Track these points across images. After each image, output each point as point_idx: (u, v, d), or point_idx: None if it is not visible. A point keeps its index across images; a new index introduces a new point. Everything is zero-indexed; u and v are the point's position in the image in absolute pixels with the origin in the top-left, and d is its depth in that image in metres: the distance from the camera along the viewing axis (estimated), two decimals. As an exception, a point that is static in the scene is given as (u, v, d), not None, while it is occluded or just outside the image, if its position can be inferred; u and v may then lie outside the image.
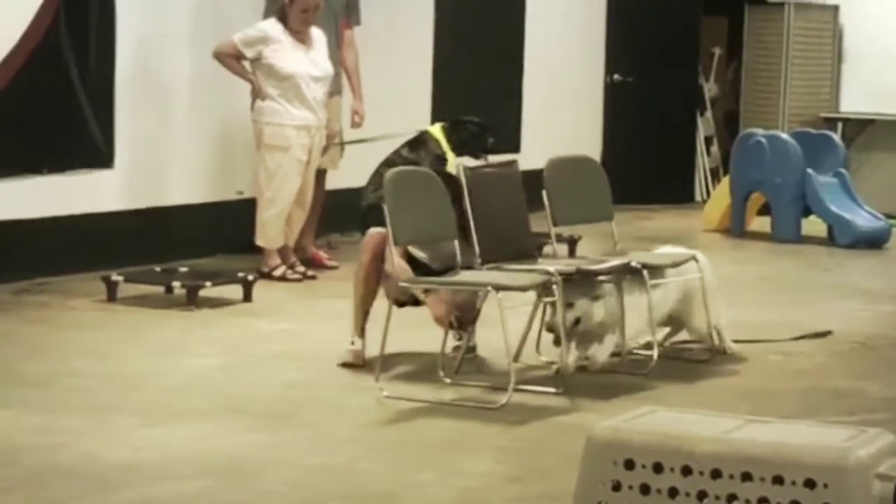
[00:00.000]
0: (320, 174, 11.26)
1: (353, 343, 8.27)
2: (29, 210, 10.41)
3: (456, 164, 10.19)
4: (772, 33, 15.61)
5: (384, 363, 7.79)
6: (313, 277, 10.91)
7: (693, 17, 16.18)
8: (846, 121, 15.56)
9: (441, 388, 7.83)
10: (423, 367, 8.13)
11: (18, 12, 10.35)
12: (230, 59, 10.83)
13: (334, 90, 11.29)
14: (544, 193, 8.74)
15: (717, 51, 16.77)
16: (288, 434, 7.05)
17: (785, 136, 14.05)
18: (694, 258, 8.75)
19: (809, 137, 14.13)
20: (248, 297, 10.09)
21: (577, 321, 8.11)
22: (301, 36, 10.75)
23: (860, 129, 15.43)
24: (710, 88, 16.67)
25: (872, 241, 13.38)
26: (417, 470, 6.53)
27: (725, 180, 14.50)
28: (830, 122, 15.34)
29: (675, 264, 8.80)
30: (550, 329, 8.08)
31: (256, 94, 10.84)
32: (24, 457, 6.58)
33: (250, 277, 10.19)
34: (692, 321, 8.61)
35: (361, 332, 8.29)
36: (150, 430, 7.08)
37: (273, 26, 10.82)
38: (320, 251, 11.54)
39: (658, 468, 5.46)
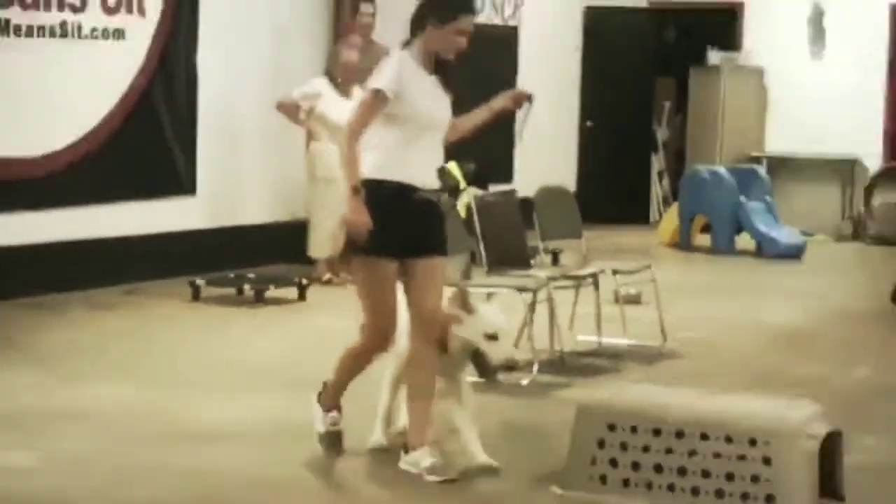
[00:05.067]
0: None
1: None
2: (130, 229, 10.49)
3: (471, 192, 10.20)
4: (711, 89, 15.63)
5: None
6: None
7: (648, 78, 16.22)
8: (769, 158, 15.53)
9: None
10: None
11: (122, 73, 10.47)
12: (290, 109, 10.83)
13: None
14: (534, 215, 8.76)
15: (668, 104, 16.80)
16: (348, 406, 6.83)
17: (722, 170, 14.08)
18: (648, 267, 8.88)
19: (741, 171, 14.23)
20: (302, 296, 10.17)
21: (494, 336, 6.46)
22: (345, 89, 10.64)
23: (781, 164, 15.38)
24: (661, 133, 16.68)
25: (792, 254, 13.41)
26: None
27: (674, 206, 14.54)
28: (757, 160, 15.33)
29: (632, 271, 8.97)
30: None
31: (310, 137, 10.86)
32: (142, 424, 6.66)
33: (304, 281, 10.28)
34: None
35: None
36: (233, 402, 7.13)
37: (321, 83, 10.81)
38: None
39: (634, 430, 5.58)
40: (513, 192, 9.20)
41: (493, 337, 6.18)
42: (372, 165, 5.67)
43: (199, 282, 10.16)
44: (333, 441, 6.03)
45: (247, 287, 10.19)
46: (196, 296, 10.07)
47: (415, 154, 5.70)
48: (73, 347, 8.40)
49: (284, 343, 8.74)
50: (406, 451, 5.83)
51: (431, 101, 5.74)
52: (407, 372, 5.90)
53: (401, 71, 5.68)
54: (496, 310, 6.46)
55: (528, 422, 6.77)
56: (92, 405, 6.96)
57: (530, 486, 5.78)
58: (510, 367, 6.29)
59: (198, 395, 7.23)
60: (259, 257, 11.21)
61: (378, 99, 5.63)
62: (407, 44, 5.77)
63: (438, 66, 5.79)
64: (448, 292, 6.11)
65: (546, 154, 14.74)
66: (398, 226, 5.66)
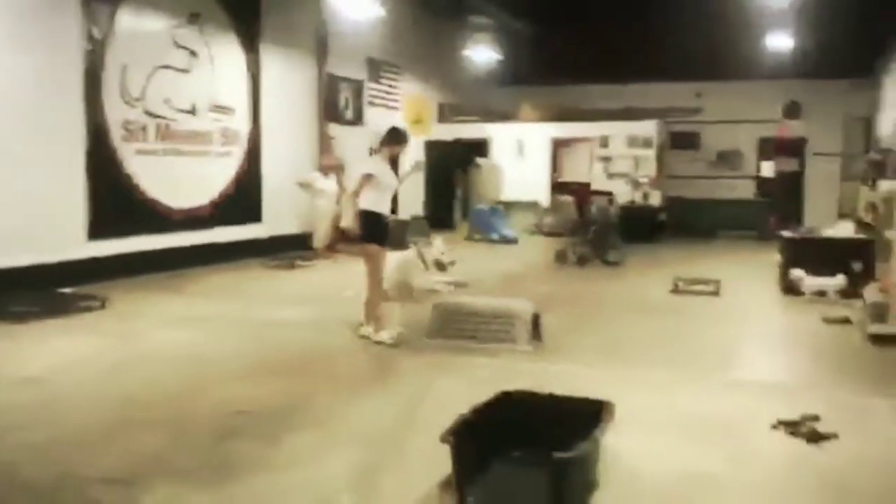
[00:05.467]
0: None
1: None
2: (238, 237, 10.16)
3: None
4: (478, 174, 15.30)
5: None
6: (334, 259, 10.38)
7: (453, 170, 15.62)
8: (503, 202, 15.20)
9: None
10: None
11: (231, 170, 10.12)
12: (303, 184, 10.46)
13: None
14: (408, 226, 8.80)
15: (461, 179, 16.46)
16: (341, 310, 6.46)
17: (484, 206, 14.00)
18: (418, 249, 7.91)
19: (492, 208, 14.10)
20: (311, 264, 9.85)
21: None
22: (326, 176, 10.35)
23: (508, 204, 15.06)
24: (458, 192, 16.34)
25: (514, 242, 13.34)
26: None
27: (465, 222, 14.37)
28: (498, 202, 15.13)
29: (451, 249, 8.52)
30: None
31: (312, 197, 10.52)
32: (247, 318, 6.34)
33: (311, 258, 10.03)
34: (410, 280, 7.34)
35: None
36: (288, 309, 6.86)
37: (315, 173, 10.49)
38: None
39: (467, 316, 5.56)
40: (400, 218, 9.24)
41: (442, 254, 6.92)
42: (366, 204, 5.59)
43: (267, 261, 9.90)
44: (392, 343, 5.51)
45: (286, 261, 9.94)
46: (266, 265, 9.72)
47: (381, 200, 5.63)
48: (217, 286, 8.11)
49: (306, 284, 8.49)
50: (365, 325, 5.72)
51: (389, 178, 5.67)
52: (369, 294, 5.83)
53: (376, 165, 5.64)
54: (440, 245, 7.03)
55: (418, 315, 6.50)
56: (225, 312, 6.73)
57: (417, 337, 5.69)
58: (445, 266, 6.95)
59: (272, 306, 7.04)
60: (291, 248, 10.92)
61: (368, 177, 5.55)
62: (378, 151, 5.73)
63: (391, 162, 5.72)
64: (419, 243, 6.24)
65: (414, 201, 14.64)
66: (377, 230, 5.64)
